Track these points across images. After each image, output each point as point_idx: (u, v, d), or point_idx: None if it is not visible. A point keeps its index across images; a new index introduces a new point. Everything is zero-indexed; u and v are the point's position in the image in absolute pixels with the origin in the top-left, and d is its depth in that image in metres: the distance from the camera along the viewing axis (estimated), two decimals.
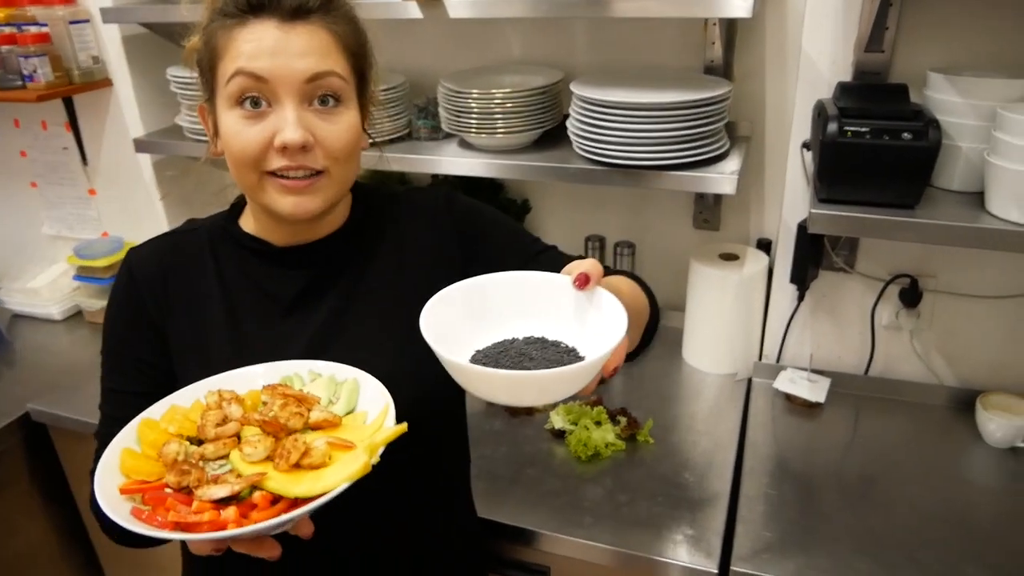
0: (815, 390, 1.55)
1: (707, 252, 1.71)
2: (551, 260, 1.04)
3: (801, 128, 1.45)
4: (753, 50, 1.61)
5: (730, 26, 1.57)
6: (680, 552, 1.22)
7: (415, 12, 1.44)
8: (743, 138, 1.61)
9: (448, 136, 1.72)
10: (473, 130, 1.58)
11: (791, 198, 1.52)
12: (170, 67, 1.80)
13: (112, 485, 0.71)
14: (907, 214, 1.16)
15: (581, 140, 1.48)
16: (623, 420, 1.50)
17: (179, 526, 0.66)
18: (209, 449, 0.73)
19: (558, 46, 1.75)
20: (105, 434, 0.85)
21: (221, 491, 0.68)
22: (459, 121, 1.60)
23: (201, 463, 0.73)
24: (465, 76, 1.66)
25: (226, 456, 0.74)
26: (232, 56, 0.80)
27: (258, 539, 0.67)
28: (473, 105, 1.56)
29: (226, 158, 0.85)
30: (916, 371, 1.58)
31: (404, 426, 0.75)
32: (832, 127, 1.14)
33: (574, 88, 1.48)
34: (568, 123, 1.54)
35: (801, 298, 1.57)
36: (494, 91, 1.55)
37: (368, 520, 0.96)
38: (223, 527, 0.65)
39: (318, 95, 0.82)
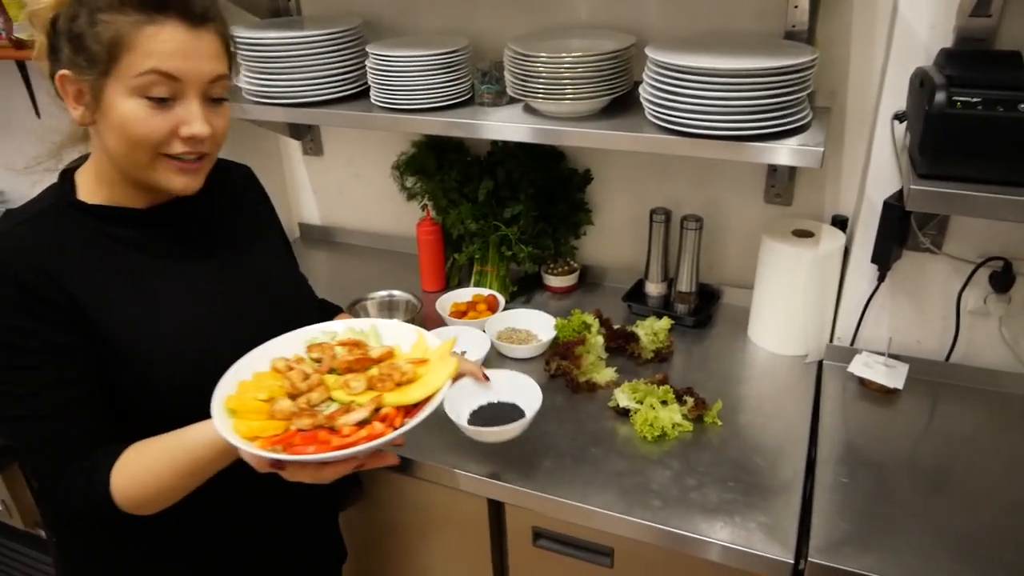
0: (893, 375, 1.48)
1: (779, 228, 1.63)
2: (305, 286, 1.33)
3: (893, 98, 1.36)
4: (838, 15, 1.51)
5: None
6: (754, 541, 1.17)
7: None
8: (823, 108, 1.52)
9: (512, 102, 1.66)
10: (540, 95, 1.52)
11: (877, 173, 1.43)
12: None
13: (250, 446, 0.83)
14: (1017, 192, 1.08)
15: (655, 107, 1.41)
16: (690, 400, 1.45)
17: (342, 447, 0.80)
18: (314, 396, 0.87)
19: (628, 9, 1.67)
20: (43, 436, 0.94)
21: (358, 415, 0.84)
22: (525, 86, 1.54)
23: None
24: (532, 39, 1.59)
25: (326, 400, 0.88)
26: (144, 53, 0.88)
27: (380, 453, 0.86)
28: (541, 69, 1.50)
29: (111, 135, 0.93)
30: (1001, 359, 1.50)
31: (455, 337, 1.09)
32: (940, 96, 1.06)
33: (649, 52, 1.40)
34: (641, 89, 1.47)
35: (882, 279, 1.49)
36: (563, 55, 1.48)
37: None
38: (376, 436, 0.82)
39: (213, 93, 0.96)
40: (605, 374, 1.57)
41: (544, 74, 1.50)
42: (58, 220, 0.98)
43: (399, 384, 0.90)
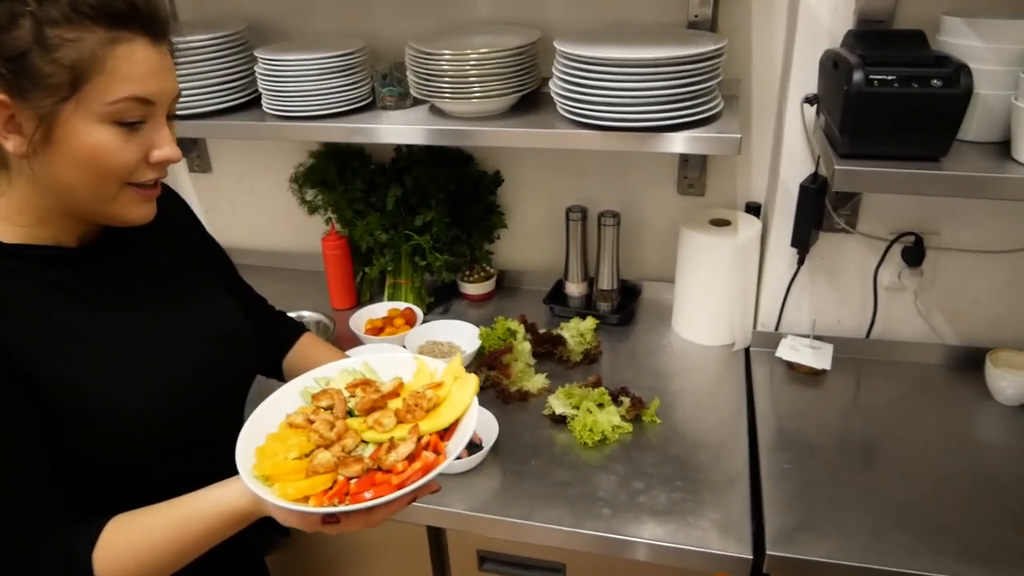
0: (819, 357, 1.50)
1: (696, 219, 1.62)
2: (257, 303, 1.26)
3: (801, 82, 1.37)
4: (738, 4, 1.52)
5: None
6: (710, 540, 1.14)
7: None
8: (730, 97, 1.52)
9: (416, 103, 1.58)
10: (447, 95, 1.44)
11: (790, 157, 1.44)
12: None
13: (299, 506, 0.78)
14: (934, 166, 1.09)
15: (566, 101, 1.37)
16: (626, 401, 1.41)
17: (403, 484, 0.78)
18: (348, 442, 0.83)
19: (529, 4, 1.62)
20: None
21: (406, 448, 0.81)
22: (430, 86, 1.46)
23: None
24: (433, 38, 1.51)
25: (359, 443, 0.85)
26: (120, 77, 0.77)
27: (429, 482, 0.81)
28: (446, 68, 1.42)
29: (68, 168, 0.79)
30: (918, 331, 1.54)
31: (459, 357, 0.97)
32: (857, 76, 1.06)
33: (558, 45, 1.36)
34: (551, 83, 1.42)
35: (801, 262, 1.50)
36: (468, 51, 1.41)
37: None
38: (434, 466, 0.80)
39: (173, 111, 0.86)
40: (536, 381, 1.51)
41: (450, 73, 1.42)
42: None
43: (427, 411, 0.89)
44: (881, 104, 1.06)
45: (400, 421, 0.86)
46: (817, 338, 1.54)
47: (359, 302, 1.86)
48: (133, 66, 0.78)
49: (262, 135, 1.55)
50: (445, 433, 0.87)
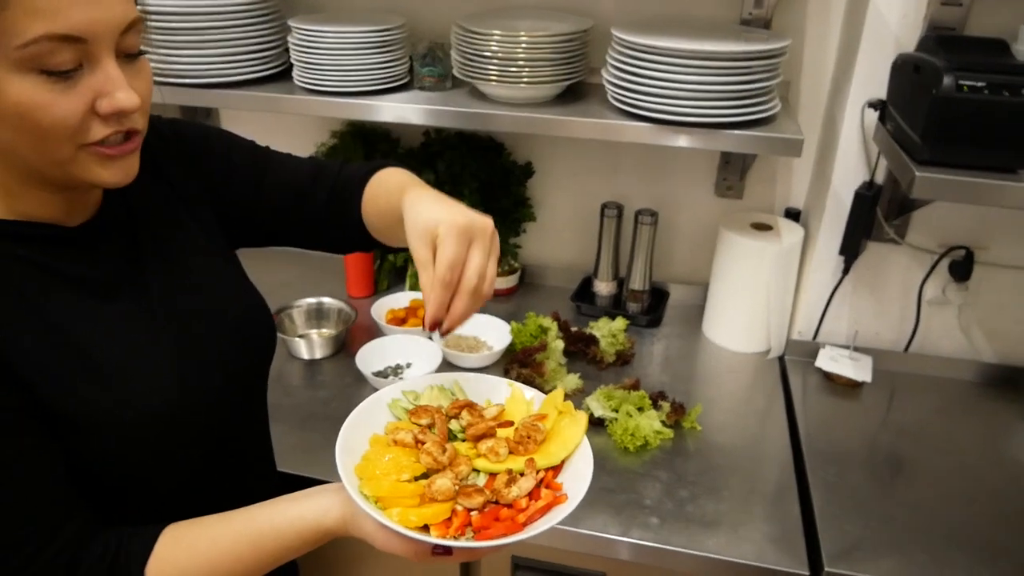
0: (859, 368, 1.47)
1: (737, 222, 1.58)
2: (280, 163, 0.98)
3: (863, 87, 1.33)
4: (795, 5, 1.48)
5: None
6: (765, 554, 1.10)
7: None
8: (781, 98, 1.48)
9: (456, 85, 1.51)
10: (493, 78, 1.38)
11: (844, 163, 1.41)
12: None
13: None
14: (1013, 178, 1.06)
15: (620, 91, 1.32)
16: (666, 405, 1.36)
17: (528, 522, 0.72)
18: (462, 469, 0.77)
19: None
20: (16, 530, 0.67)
21: (527, 483, 0.75)
22: (475, 68, 1.40)
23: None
24: (480, 18, 1.45)
25: (471, 472, 0.78)
26: (28, 10, 0.58)
27: None
28: (496, 49, 1.36)
29: (4, 130, 0.63)
30: (957, 347, 1.52)
31: (561, 390, 0.89)
32: (948, 80, 1.02)
33: (617, 32, 1.31)
34: (604, 72, 1.37)
35: (846, 271, 1.47)
36: (520, 34, 1.35)
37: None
38: (560, 501, 0.75)
39: (128, 47, 0.67)
40: (569, 381, 1.45)
41: (499, 55, 1.36)
42: None
43: (539, 444, 0.81)
44: (970, 111, 1.03)
45: (510, 452, 0.80)
46: (856, 349, 1.51)
47: (376, 291, 1.79)
48: None
49: (297, 110, 1.47)
50: (554, 470, 0.80)
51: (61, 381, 0.69)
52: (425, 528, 0.70)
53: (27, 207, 0.71)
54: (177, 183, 0.88)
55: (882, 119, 1.29)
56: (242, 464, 0.92)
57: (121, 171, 0.70)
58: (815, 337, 1.56)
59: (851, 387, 1.47)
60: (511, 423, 0.83)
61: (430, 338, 1.53)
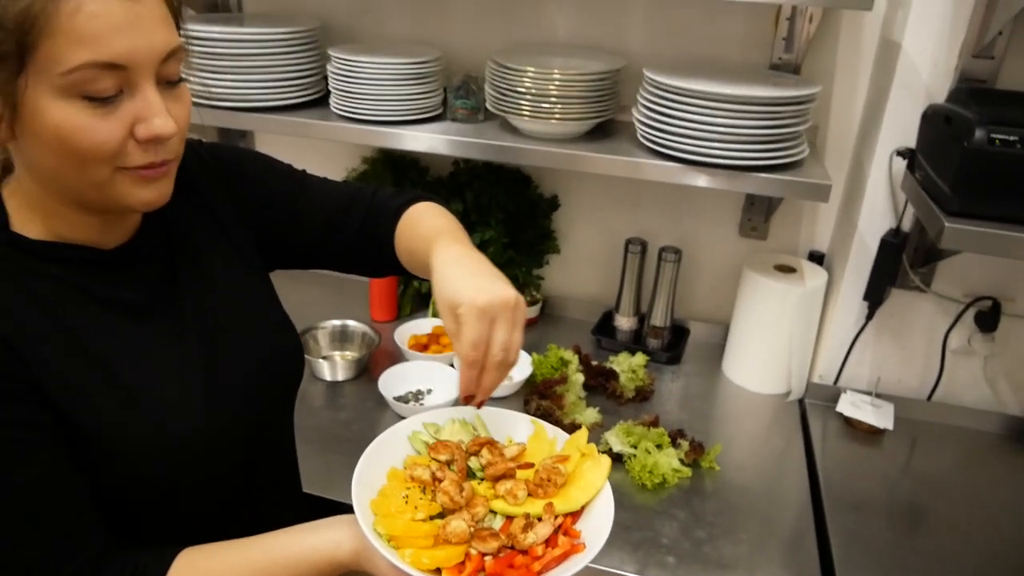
0: (881, 415, 1.46)
1: (760, 263, 1.59)
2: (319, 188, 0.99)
3: (892, 135, 1.35)
4: (824, 50, 1.50)
5: (801, 21, 1.46)
6: None
7: None
8: (809, 143, 1.50)
9: (488, 118, 1.54)
10: (526, 114, 1.41)
11: (870, 210, 1.41)
12: None
13: None
14: None
15: (650, 131, 1.34)
16: (684, 444, 1.36)
17: (544, 570, 0.71)
18: (479, 510, 0.76)
19: (608, 30, 1.59)
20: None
21: (545, 529, 0.73)
22: (508, 102, 1.42)
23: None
24: (513, 54, 1.48)
25: (487, 512, 0.77)
26: (72, 39, 0.60)
27: None
28: (529, 85, 1.39)
29: (43, 153, 0.66)
30: (981, 398, 1.51)
31: (585, 431, 0.87)
32: (980, 134, 1.03)
33: (649, 73, 1.33)
34: (634, 111, 1.39)
35: (870, 316, 1.47)
36: (554, 71, 1.38)
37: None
38: (578, 550, 0.73)
39: (168, 74, 0.68)
40: (588, 415, 1.46)
41: (532, 91, 1.39)
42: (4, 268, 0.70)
43: (559, 487, 0.79)
44: (1001, 164, 1.04)
45: (529, 494, 0.78)
46: (878, 396, 1.50)
47: (399, 315, 1.81)
48: (87, 23, 0.60)
49: (334, 136, 1.51)
50: (573, 516, 0.78)
51: (90, 402, 0.70)
52: (437, 571, 0.70)
53: (64, 229, 0.72)
54: (215, 206, 0.89)
55: (910, 168, 1.30)
56: (267, 489, 0.92)
57: (155, 192, 0.71)
58: (836, 382, 1.56)
59: (872, 434, 1.46)
60: (531, 465, 0.82)
61: (451, 365, 1.54)
